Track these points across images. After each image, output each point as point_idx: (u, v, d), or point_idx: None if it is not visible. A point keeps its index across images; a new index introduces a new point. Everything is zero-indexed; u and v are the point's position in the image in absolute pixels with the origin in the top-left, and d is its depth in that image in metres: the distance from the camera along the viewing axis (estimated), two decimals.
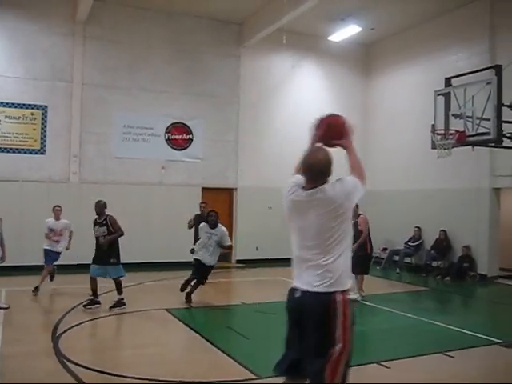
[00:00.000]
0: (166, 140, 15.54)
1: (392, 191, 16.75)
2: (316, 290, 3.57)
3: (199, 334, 7.80)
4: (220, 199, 16.36)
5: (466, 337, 8.00)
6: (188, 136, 15.86)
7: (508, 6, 13.52)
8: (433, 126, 10.37)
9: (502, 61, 11.18)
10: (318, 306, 3.55)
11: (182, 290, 9.95)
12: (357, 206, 11.11)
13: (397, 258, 15.23)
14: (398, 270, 14.87)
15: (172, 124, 15.62)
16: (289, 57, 17.08)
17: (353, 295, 10.60)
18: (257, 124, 16.81)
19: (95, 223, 9.41)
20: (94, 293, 9.24)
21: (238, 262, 16.09)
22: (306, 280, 3.67)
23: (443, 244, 14.57)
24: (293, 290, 3.84)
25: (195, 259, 10.13)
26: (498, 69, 9.58)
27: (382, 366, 6.48)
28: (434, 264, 14.71)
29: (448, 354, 7.04)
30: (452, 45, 14.99)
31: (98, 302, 9.24)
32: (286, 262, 16.75)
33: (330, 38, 16.66)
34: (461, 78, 10.51)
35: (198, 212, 12.52)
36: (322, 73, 17.90)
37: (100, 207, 9.35)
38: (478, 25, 14.17)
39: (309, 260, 3.67)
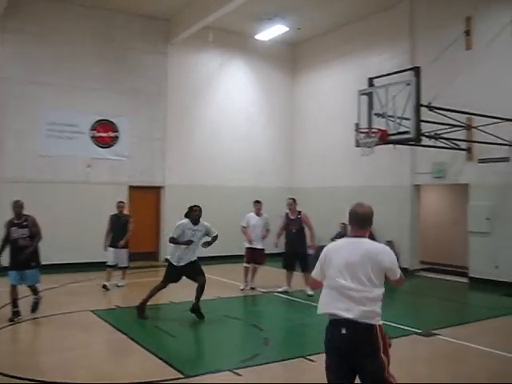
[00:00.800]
0: (92, 137, 15.12)
1: (318, 188, 17.09)
2: None
3: (126, 334, 7.67)
4: (147, 197, 16.15)
5: (387, 328, 8.25)
6: (114, 133, 15.51)
7: (427, 10, 14.10)
8: (356, 124, 10.65)
9: (421, 63, 11.66)
10: None
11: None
12: (294, 200, 11.29)
13: None
14: None
15: (98, 121, 15.22)
16: (217, 55, 17.12)
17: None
18: (185, 122, 16.68)
19: (12, 224, 8.63)
20: (15, 303, 8.51)
21: (167, 260, 15.86)
22: None
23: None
24: None
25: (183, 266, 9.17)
26: (416, 70, 9.95)
27: (308, 360, 6.61)
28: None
29: None
30: (375, 46, 15.47)
31: (19, 313, 8.55)
32: (215, 259, 16.92)
33: (257, 37, 16.78)
34: (383, 78, 10.85)
35: (116, 212, 11.85)
36: (250, 71, 18.01)
37: (19, 207, 8.72)
38: (399, 27, 14.68)
39: None
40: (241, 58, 17.74)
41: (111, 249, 11.54)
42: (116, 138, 15.51)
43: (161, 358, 6.58)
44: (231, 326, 8.67)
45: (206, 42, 15.96)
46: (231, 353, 7.07)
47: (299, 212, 11.24)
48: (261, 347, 7.33)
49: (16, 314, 8.47)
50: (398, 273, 4.12)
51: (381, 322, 4.01)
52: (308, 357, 6.68)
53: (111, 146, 15.44)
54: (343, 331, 3.81)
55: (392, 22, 14.90)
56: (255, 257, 11.58)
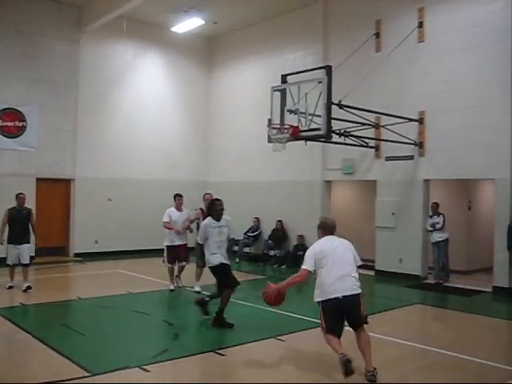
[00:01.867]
0: None
1: (231, 183, 17.18)
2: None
3: (30, 333, 7.39)
4: (56, 190, 15.60)
5: (297, 321, 8.49)
6: (21, 123, 14.84)
7: (340, 11, 14.50)
8: (269, 120, 10.79)
9: (333, 62, 11.98)
10: None
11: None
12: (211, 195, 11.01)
13: (236, 248, 15.66)
14: (237, 259, 15.28)
15: (3, 110, 14.48)
16: (131, 46, 16.78)
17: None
18: (97, 113, 16.24)
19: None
20: None
21: (76, 255, 15.48)
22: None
23: (280, 234, 15.29)
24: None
25: (219, 265, 8.15)
26: (328, 69, 10.20)
27: (218, 354, 6.66)
28: (272, 253, 15.37)
29: (280, 338, 7.43)
30: (290, 44, 15.73)
31: None
32: (125, 254, 16.58)
33: (173, 30, 16.59)
34: (296, 75, 11.04)
35: (14, 205, 10.72)
36: (165, 64, 17.79)
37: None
38: (313, 27, 15.02)
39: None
40: (156, 49, 17.49)
41: (10, 245, 10.49)
42: (23, 127, 14.84)
43: (66, 357, 6.40)
44: (141, 321, 8.56)
45: (120, 32, 15.60)
46: (140, 349, 6.98)
47: None
48: (170, 342, 7.30)
49: None
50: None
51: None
52: (218, 351, 6.73)
53: (18, 136, 14.75)
54: (345, 300, 5.82)
55: (306, 21, 15.22)
56: (179, 254, 10.91)
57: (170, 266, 10.94)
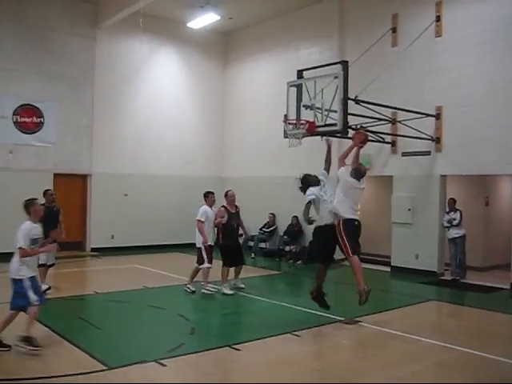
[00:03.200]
0: (14, 123, 14.52)
1: (247, 178, 17.18)
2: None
3: (48, 327, 7.46)
4: (73, 186, 15.74)
5: (313, 316, 8.48)
6: (39, 119, 14.98)
7: (356, 6, 14.41)
8: (285, 115, 10.78)
9: (349, 57, 11.92)
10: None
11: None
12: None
13: (251, 243, 15.67)
14: (252, 255, 15.30)
15: (21, 106, 14.62)
16: (147, 42, 16.84)
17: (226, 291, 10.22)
18: (113, 109, 16.33)
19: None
20: None
21: (93, 250, 15.62)
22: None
23: (295, 229, 15.25)
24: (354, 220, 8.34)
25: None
26: (344, 64, 10.16)
27: (234, 348, 6.68)
28: (287, 249, 15.35)
29: (295, 333, 7.43)
30: (306, 39, 15.67)
31: None
32: (141, 249, 16.65)
33: (189, 25, 16.58)
34: (312, 71, 11.00)
35: (43, 202, 9.67)
36: (180, 59, 17.83)
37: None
38: (329, 22, 14.94)
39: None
40: (172, 45, 17.54)
41: None
42: (41, 123, 14.98)
43: (83, 350, 6.47)
44: (157, 316, 8.61)
45: (135, 27, 15.65)
46: (156, 343, 7.03)
47: (236, 205, 10.55)
48: (186, 337, 7.34)
49: None
50: None
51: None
52: (233, 346, 6.75)
53: (36, 132, 14.90)
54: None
55: (322, 16, 15.15)
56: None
57: (210, 266, 10.21)
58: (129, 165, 16.47)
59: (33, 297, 6.46)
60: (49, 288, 9.66)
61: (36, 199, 7.20)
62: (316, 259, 9.10)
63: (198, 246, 10.22)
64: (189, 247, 14.52)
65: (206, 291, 10.08)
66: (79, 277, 12.74)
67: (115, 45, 16.35)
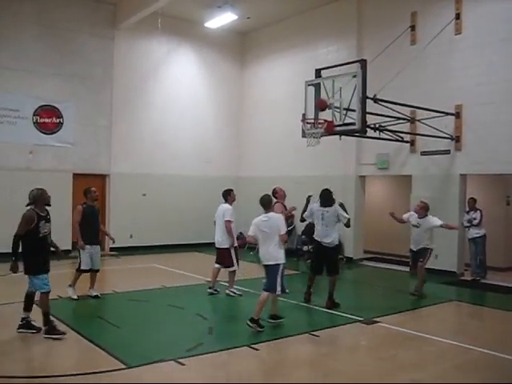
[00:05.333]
0: (34, 123, 14.67)
1: (265, 178, 17.13)
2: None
3: (68, 325, 7.51)
4: (92, 185, 15.62)
5: (332, 317, 8.45)
6: (58, 119, 15.11)
7: (374, 4, 14.32)
8: (303, 115, 10.73)
9: (368, 56, 11.82)
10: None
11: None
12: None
13: None
14: None
15: (40, 106, 14.76)
16: (165, 42, 16.89)
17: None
18: (131, 109, 16.41)
19: (40, 218, 6.98)
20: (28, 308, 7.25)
21: (112, 249, 15.67)
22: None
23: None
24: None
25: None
26: (363, 63, 10.08)
27: (252, 348, 6.67)
28: (305, 248, 15.29)
29: (314, 333, 7.40)
30: (323, 38, 15.61)
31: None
32: (159, 248, 16.68)
33: (206, 25, 16.60)
34: (330, 69, 10.95)
35: (86, 201, 9.59)
36: (198, 59, 17.86)
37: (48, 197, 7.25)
38: (347, 20, 14.87)
39: None
40: (189, 45, 17.58)
41: (88, 246, 9.28)
42: (60, 124, 15.11)
43: (102, 348, 6.50)
44: (175, 315, 8.63)
45: (154, 28, 15.72)
46: (175, 342, 7.04)
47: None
48: (205, 336, 7.34)
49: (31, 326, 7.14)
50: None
51: None
52: (252, 345, 6.74)
53: (55, 132, 15.03)
54: None
55: (340, 15, 15.08)
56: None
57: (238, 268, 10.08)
58: (147, 165, 16.55)
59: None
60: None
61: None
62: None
63: (223, 247, 9.97)
64: (205, 246, 14.59)
65: (230, 293, 10.06)
66: (98, 276, 12.78)
67: (133, 45, 16.43)
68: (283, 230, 7.62)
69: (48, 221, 7.12)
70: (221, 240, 10.01)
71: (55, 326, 7.03)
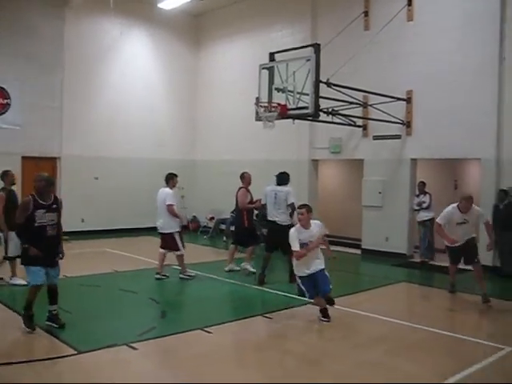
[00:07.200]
0: None
1: (219, 161, 17.13)
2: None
3: (16, 312, 7.34)
4: (43, 169, 15.23)
5: (285, 299, 8.54)
6: (5, 100, 14.61)
7: None
8: (257, 98, 10.73)
9: (321, 40, 11.83)
10: None
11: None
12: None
13: (223, 226, 15.64)
14: (224, 238, 15.28)
15: None
16: (117, 22, 16.48)
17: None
18: (83, 90, 16.02)
19: (37, 206, 6.60)
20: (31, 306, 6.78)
21: (63, 234, 15.35)
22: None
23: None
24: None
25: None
26: (316, 47, 10.11)
27: (205, 331, 6.68)
28: (258, 232, 15.34)
29: (267, 315, 7.48)
30: (278, 21, 15.58)
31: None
32: (112, 233, 16.45)
33: (160, 6, 16.34)
34: (284, 53, 10.95)
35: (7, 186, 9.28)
36: (151, 41, 17.57)
37: (52, 183, 6.93)
38: (301, 4, 14.87)
39: None
40: (142, 26, 17.25)
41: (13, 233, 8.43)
42: (7, 105, 14.62)
43: (53, 334, 6.41)
44: (128, 299, 8.57)
45: (106, 8, 15.34)
46: (127, 326, 6.99)
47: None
48: (157, 320, 7.32)
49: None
50: None
51: None
52: (205, 329, 6.76)
53: (2, 113, 14.54)
54: None
55: None
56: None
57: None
58: (99, 147, 16.23)
59: None
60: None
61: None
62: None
63: (167, 231, 10.00)
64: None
65: (184, 276, 10.04)
66: None
67: (85, 25, 15.97)
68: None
69: (51, 210, 6.66)
70: (163, 225, 10.01)
71: (30, 318, 6.65)
